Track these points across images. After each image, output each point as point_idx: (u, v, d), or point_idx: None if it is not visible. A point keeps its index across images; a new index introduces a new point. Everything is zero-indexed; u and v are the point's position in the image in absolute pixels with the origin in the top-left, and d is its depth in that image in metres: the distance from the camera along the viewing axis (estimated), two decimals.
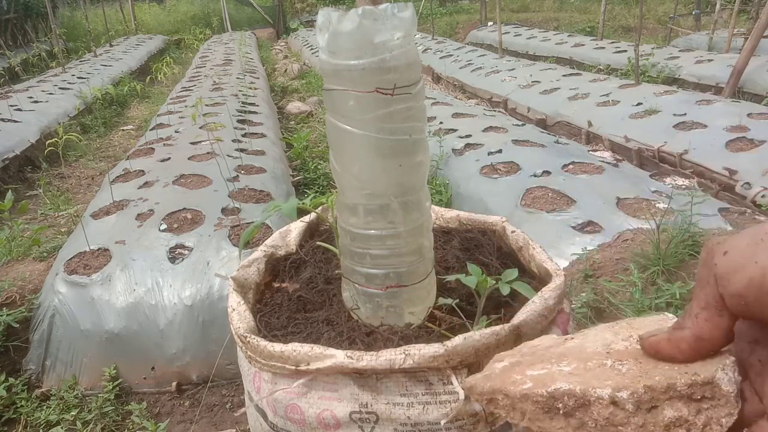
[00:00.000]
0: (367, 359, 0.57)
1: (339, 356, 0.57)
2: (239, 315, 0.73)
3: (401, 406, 0.58)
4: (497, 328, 0.63)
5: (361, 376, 0.59)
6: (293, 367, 0.60)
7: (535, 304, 0.71)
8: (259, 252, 0.91)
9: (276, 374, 0.65)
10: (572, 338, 0.49)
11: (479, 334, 0.61)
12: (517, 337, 0.63)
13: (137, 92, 6.39)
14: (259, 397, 0.73)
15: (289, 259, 0.95)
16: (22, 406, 1.77)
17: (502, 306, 0.80)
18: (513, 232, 0.92)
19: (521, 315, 0.69)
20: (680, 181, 2.86)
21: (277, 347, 0.61)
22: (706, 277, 0.36)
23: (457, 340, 0.60)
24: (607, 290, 1.90)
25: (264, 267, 0.90)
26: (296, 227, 1.00)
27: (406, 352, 0.56)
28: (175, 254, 2.10)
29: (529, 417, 0.40)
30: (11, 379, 1.83)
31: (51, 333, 1.93)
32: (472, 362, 0.59)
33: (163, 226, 2.27)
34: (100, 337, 1.90)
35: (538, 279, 0.84)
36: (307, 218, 1.02)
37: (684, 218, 2.05)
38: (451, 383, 0.59)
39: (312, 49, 8.70)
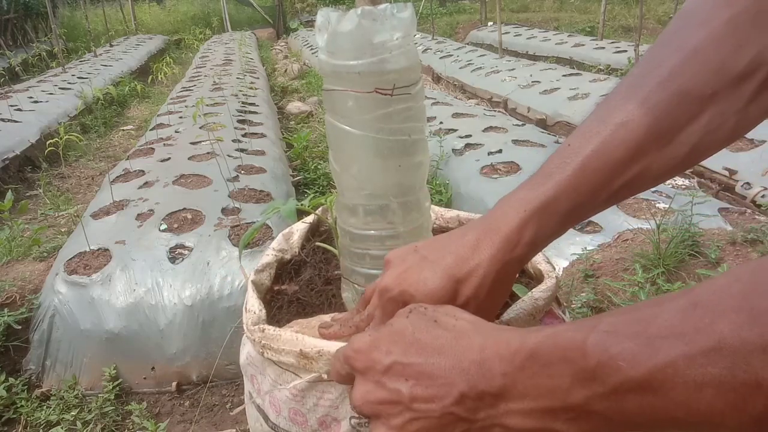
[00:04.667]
0: None
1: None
2: (256, 315, 0.75)
3: None
4: None
5: None
6: (294, 373, 0.61)
7: (524, 303, 0.72)
8: (270, 257, 0.92)
9: (281, 374, 0.66)
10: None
11: None
12: None
13: (137, 92, 6.39)
14: (260, 397, 0.73)
15: (291, 262, 0.95)
16: (22, 406, 1.77)
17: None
18: None
19: (510, 313, 0.70)
20: (680, 181, 2.86)
21: (287, 342, 0.63)
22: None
23: None
24: (609, 289, 1.90)
25: (274, 272, 0.91)
26: (298, 229, 1.00)
27: None
28: (175, 254, 2.10)
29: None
30: (11, 379, 1.83)
31: (51, 333, 1.93)
32: None
33: (163, 226, 2.27)
34: (100, 337, 1.90)
35: (535, 280, 0.84)
36: (309, 219, 1.02)
37: (684, 218, 2.06)
38: None
39: (312, 49, 8.70)
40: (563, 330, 0.39)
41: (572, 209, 0.54)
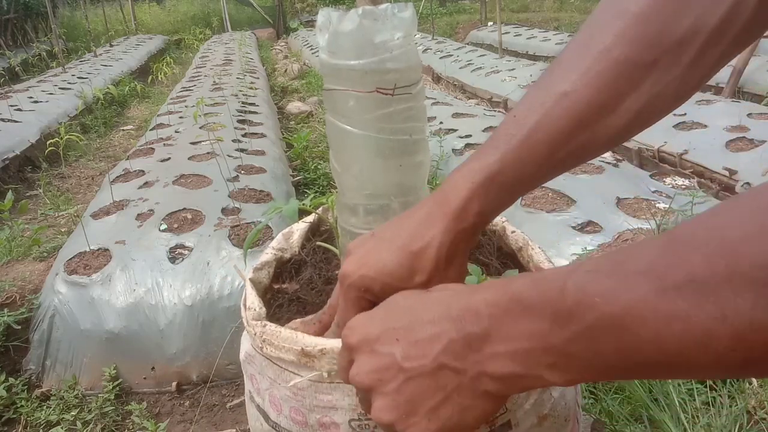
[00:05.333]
0: None
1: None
2: (256, 312, 0.75)
3: None
4: None
5: None
6: (295, 370, 0.61)
7: None
8: (269, 255, 0.91)
9: (280, 374, 0.66)
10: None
11: None
12: None
13: (137, 92, 6.39)
14: (260, 396, 0.73)
15: (291, 261, 0.95)
16: (22, 406, 1.77)
17: None
18: (513, 232, 0.92)
19: None
20: (680, 181, 2.86)
21: (286, 340, 0.63)
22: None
23: None
24: None
25: (273, 271, 0.91)
26: (298, 228, 1.00)
27: None
28: (175, 254, 2.10)
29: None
30: (11, 379, 1.83)
31: (51, 333, 1.93)
32: None
33: (163, 226, 2.27)
34: (100, 337, 1.90)
35: None
36: (309, 219, 1.02)
37: (684, 218, 2.06)
38: None
39: (312, 49, 8.69)
40: (548, 273, 0.40)
41: (518, 180, 0.55)
